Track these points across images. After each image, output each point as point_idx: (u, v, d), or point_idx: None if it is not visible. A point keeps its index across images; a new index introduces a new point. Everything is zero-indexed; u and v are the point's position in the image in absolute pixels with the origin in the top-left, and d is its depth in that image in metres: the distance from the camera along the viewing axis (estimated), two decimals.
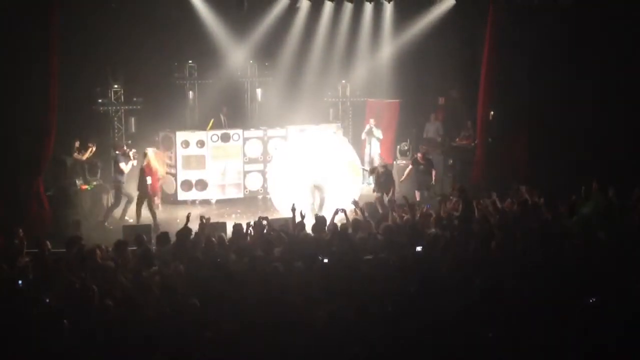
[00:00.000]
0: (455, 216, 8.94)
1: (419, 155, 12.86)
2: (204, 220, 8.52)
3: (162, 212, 12.88)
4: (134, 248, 7.93)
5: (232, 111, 15.19)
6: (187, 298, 5.79)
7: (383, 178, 12.13)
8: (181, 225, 8.60)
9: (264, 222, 8.47)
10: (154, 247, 8.18)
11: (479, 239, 7.70)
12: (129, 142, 13.52)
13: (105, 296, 6.00)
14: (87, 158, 12.89)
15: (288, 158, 12.47)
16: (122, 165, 12.00)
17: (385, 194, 11.84)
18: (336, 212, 8.84)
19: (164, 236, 8.06)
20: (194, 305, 5.64)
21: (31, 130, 11.18)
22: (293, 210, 8.82)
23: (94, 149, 12.99)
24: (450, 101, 16.13)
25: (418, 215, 9.08)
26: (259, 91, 15.74)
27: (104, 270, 6.94)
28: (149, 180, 11.73)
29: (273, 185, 12.63)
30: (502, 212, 9.30)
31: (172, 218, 12.38)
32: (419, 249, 7.21)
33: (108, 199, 12.76)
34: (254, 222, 8.47)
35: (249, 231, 8.30)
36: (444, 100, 16.20)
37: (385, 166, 12.53)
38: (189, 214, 8.67)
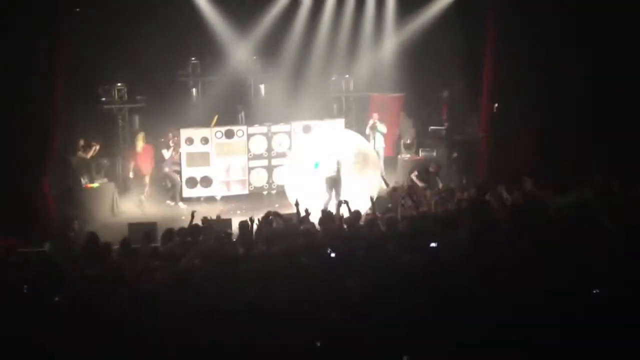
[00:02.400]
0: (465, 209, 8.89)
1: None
2: (208, 218, 8.56)
3: (166, 209, 12.93)
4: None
5: (236, 108, 15.19)
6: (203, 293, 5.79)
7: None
8: (184, 223, 8.62)
9: (270, 218, 8.47)
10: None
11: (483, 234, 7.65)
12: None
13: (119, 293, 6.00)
14: (92, 157, 12.93)
15: (303, 153, 12.41)
16: (164, 152, 13.23)
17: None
18: (340, 204, 8.81)
19: (169, 232, 8.05)
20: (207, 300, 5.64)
21: (36, 130, 11.20)
22: (297, 205, 8.83)
23: (98, 147, 13.03)
24: (454, 94, 16.05)
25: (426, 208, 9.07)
26: (262, 87, 15.72)
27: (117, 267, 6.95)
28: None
29: (289, 180, 12.52)
30: (509, 205, 9.26)
31: (177, 215, 12.41)
32: (433, 244, 7.12)
33: (114, 196, 12.79)
34: (262, 217, 8.45)
35: (255, 224, 8.27)
36: (447, 93, 16.13)
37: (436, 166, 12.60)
38: (194, 211, 8.67)
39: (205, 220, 8.59)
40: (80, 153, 12.79)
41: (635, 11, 11.72)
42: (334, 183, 11.61)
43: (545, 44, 12.63)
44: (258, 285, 6.06)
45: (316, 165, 11.96)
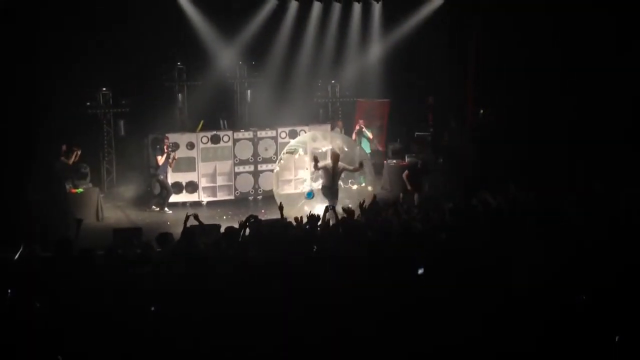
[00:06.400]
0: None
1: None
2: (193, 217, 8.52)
3: (152, 215, 12.84)
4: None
5: (222, 113, 15.13)
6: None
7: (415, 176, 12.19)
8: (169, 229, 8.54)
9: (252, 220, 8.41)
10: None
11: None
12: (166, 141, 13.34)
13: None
14: (74, 162, 12.80)
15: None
16: (158, 158, 12.94)
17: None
18: (326, 210, 8.83)
19: (164, 237, 7.95)
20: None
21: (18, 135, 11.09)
22: (281, 209, 8.80)
23: (80, 152, 12.87)
24: (438, 100, 16.13)
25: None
26: (248, 92, 15.70)
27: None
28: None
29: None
30: (493, 210, 9.29)
31: (162, 221, 12.32)
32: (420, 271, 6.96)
33: (99, 202, 12.67)
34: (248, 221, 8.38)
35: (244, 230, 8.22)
36: (433, 99, 16.20)
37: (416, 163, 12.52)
38: (188, 216, 8.56)
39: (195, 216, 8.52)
40: (62, 158, 12.66)
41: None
42: (329, 191, 11.58)
43: (531, 49, 12.74)
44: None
45: (309, 195, 12.15)
